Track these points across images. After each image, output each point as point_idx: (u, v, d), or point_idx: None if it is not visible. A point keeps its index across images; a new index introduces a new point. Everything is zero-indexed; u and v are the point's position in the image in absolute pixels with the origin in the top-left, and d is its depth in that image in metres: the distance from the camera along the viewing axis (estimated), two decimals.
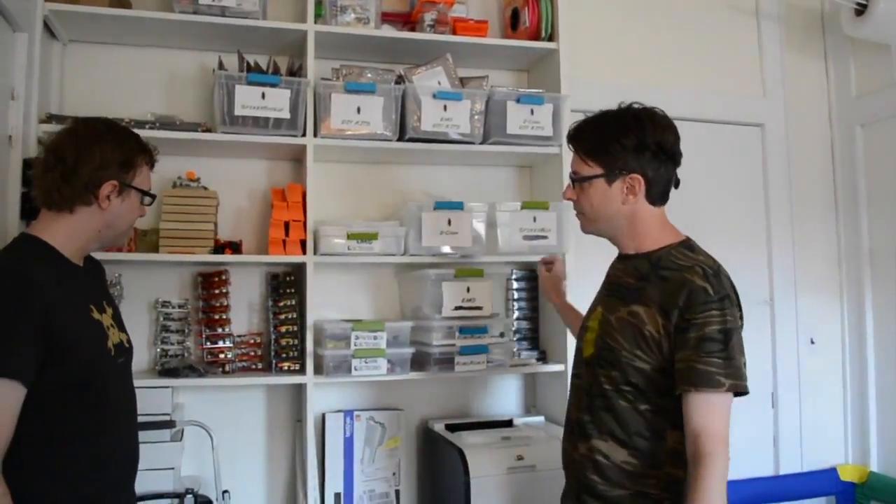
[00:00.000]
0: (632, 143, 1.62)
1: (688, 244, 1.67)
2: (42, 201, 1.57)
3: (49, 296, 1.44)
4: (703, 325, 1.51)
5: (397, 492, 2.47)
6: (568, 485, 1.74)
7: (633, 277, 1.66)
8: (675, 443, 1.57)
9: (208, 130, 2.29)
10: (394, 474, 2.47)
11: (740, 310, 1.60)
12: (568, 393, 1.79)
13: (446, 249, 2.37)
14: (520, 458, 2.21)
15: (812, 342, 3.14)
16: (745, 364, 1.54)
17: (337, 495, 2.40)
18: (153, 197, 1.70)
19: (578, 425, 1.67)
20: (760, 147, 3.17)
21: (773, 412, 3.09)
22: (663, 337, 1.55)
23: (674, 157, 1.67)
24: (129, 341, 1.69)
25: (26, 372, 1.39)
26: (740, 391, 1.52)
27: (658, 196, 1.67)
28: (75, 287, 1.57)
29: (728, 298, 1.55)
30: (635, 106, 1.69)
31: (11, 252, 1.54)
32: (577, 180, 1.70)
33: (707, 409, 1.49)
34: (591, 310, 1.77)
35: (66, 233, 1.56)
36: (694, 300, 1.52)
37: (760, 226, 3.15)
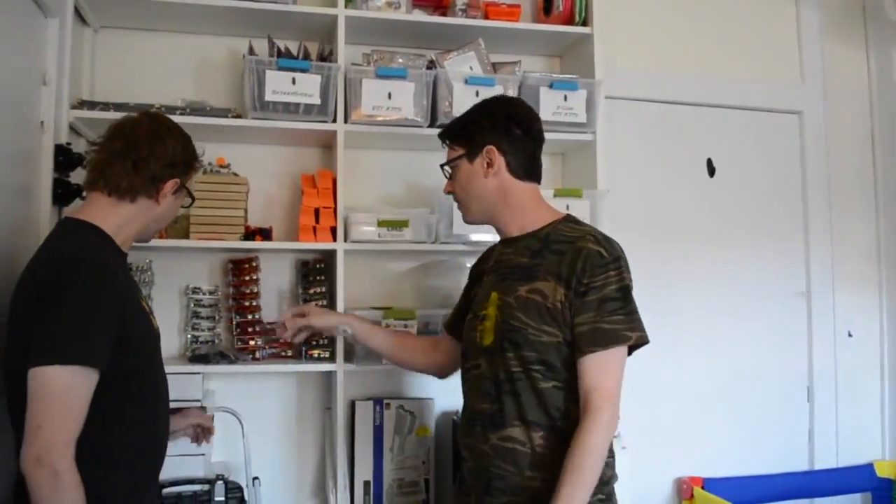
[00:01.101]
0: (486, 121, 1.73)
1: (572, 219, 1.73)
2: (105, 185, 1.57)
3: (121, 283, 1.46)
4: (603, 286, 1.56)
5: (426, 481, 2.46)
6: (470, 482, 1.71)
7: (526, 256, 1.68)
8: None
9: (238, 116, 2.28)
10: (423, 463, 2.45)
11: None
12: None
13: (477, 237, 2.33)
14: None
15: (850, 335, 3.07)
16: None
17: (366, 483, 2.39)
18: (194, 200, 1.77)
19: (487, 416, 1.66)
20: (798, 135, 3.10)
21: (808, 406, 3.03)
22: (566, 306, 1.58)
23: (530, 132, 1.75)
24: (158, 328, 1.70)
25: (102, 360, 1.39)
26: (643, 342, 1.59)
27: (522, 172, 1.73)
28: (129, 275, 1.61)
29: (621, 258, 1.60)
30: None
31: (74, 239, 1.53)
32: (445, 165, 1.80)
33: (602, 367, 1.55)
34: (483, 298, 1.74)
35: (121, 221, 1.58)
36: (591, 264, 1.57)
37: (797, 216, 3.08)
